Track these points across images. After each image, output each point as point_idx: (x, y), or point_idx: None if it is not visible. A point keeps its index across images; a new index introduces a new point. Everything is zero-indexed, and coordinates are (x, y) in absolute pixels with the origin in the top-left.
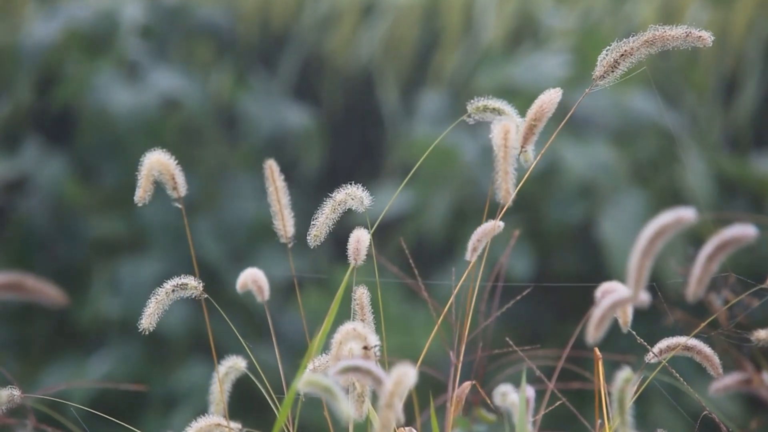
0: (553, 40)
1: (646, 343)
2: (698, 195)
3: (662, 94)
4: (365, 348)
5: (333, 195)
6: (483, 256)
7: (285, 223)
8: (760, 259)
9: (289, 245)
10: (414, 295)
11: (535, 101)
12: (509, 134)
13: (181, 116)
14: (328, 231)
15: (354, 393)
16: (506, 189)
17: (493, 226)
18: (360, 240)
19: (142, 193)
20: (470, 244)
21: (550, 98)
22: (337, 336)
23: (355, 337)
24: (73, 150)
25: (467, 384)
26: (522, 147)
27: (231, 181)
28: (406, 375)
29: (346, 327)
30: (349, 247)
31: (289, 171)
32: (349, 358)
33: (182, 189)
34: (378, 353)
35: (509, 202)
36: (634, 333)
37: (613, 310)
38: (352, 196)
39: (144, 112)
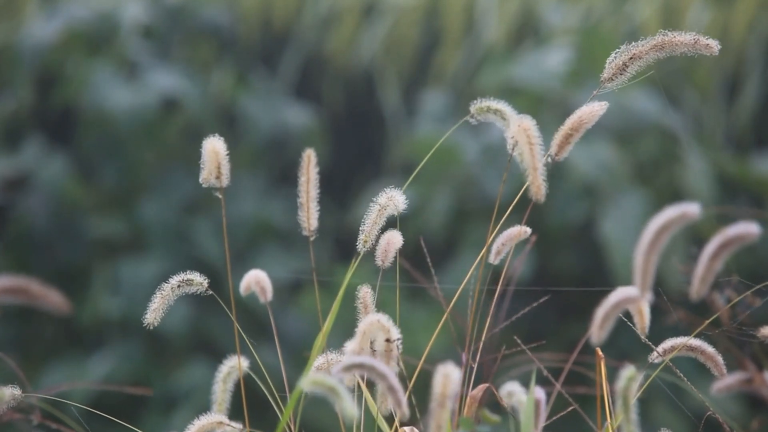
0: (555, 39)
1: (648, 344)
2: (699, 195)
3: (664, 94)
4: (387, 341)
5: (376, 199)
6: (485, 256)
7: (310, 216)
8: (762, 260)
9: (311, 238)
10: (414, 294)
11: (576, 111)
12: (530, 131)
13: (182, 116)
14: (377, 235)
15: (379, 388)
16: (537, 185)
17: (518, 231)
18: (391, 242)
19: (207, 175)
20: (494, 247)
21: (591, 110)
22: (361, 326)
23: (379, 328)
24: (73, 149)
25: (483, 386)
26: (556, 155)
27: (231, 181)
28: (451, 373)
29: (371, 318)
30: (378, 247)
31: (289, 171)
32: (371, 351)
33: (225, 179)
34: (401, 346)
35: (542, 199)
36: (637, 333)
37: (616, 310)
38: (392, 199)
39: (144, 111)
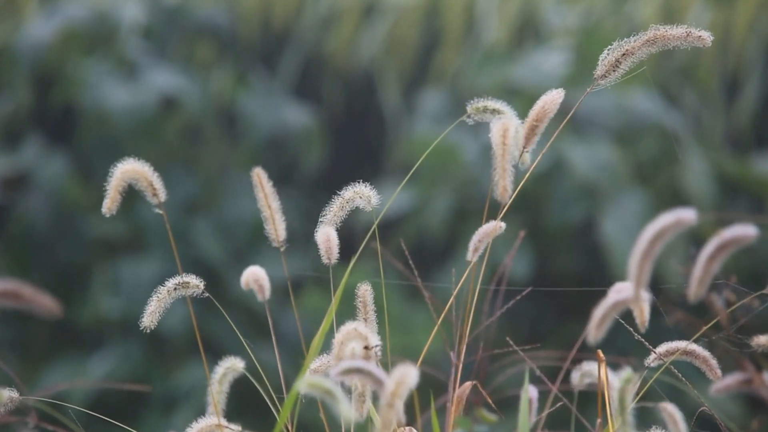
0: (555, 39)
1: (647, 344)
2: (699, 195)
3: (664, 94)
4: (366, 348)
5: (341, 193)
6: (484, 256)
7: (276, 228)
8: (761, 260)
9: (282, 249)
10: (414, 295)
11: (537, 102)
12: (508, 132)
13: (181, 116)
14: (336, 228)
15: (355, 393)
16: (504, 187)
17: (494, 227)
18: (330, 239)
19: (110, 204)
20: (471, 245)
21: (552, 99)
22: (339, 336)
23: (356, 336)
24: (73, 149)
25: (468, 384)
26: (524, 147)
27: (231, 181)
28: (407, 375)
29: (348, 327)
30: (319, 246)
31: (289, 171)
32: (352, 357)
33: (162, 195)
34: (379, 353)
35: (507, 200)
36: (633, 333)
37: (614, 311)
38: (360, 194)
39: (143, 111)
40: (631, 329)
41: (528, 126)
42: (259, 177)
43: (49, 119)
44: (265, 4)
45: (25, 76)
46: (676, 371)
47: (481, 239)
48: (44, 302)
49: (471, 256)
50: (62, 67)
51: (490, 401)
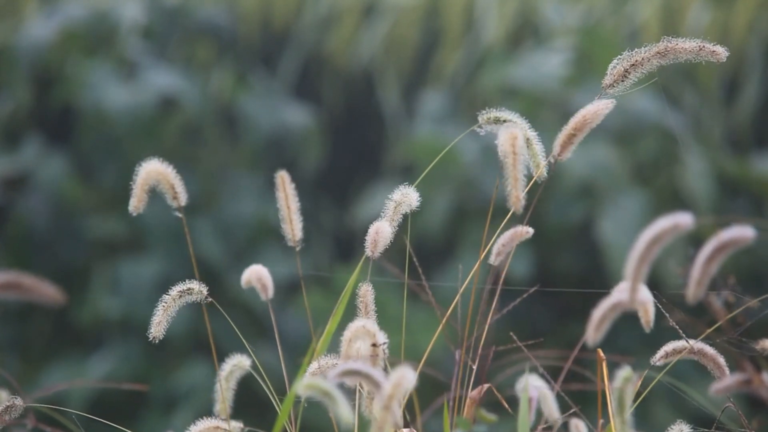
0: (555, 39)
1: (647, 344)
2: (699, 195)
3: (664, 93)
4: (374, 345)
5: (391, 196)
6: (487, 257)
7: (293, 228)
8: (761, 260)
9: (297, 248)
10: (414, 295)
11: (580, 111)
12: (517, 141)
13: (181, 116)
14: (394, 230)
15: (364, 392)
16: (516, 196)
17: (521, 232)
18: (380, 231)
19: (136, 203)
20: (495, 249)
21: (595, 109)
22: (347, 333)
23: (364, 334)
24: (72, 149)
25: (483, 386)
26: (559, 155)
27: (231, 181)
28: (405, 377)
29: (356, 324)
30: (367, 238)
31: (288, 171)
32: (359, 355)
33: (183, 198)
34: (386, 351)
35: (521, 210)
36: (636, 332)
37: (612, 312)
38: (405, 196)
39: (143, 111)
40: (632, 331)
41: (566, 135)
42: (283, 180)
43: (49, 119)
44: (265, 4)
45: (25, 76)
46: (705, 355)
47: (505, 243)
48: (46, 291)
49: (494, 259)
50: (62, 67)
51: (504, 402)
